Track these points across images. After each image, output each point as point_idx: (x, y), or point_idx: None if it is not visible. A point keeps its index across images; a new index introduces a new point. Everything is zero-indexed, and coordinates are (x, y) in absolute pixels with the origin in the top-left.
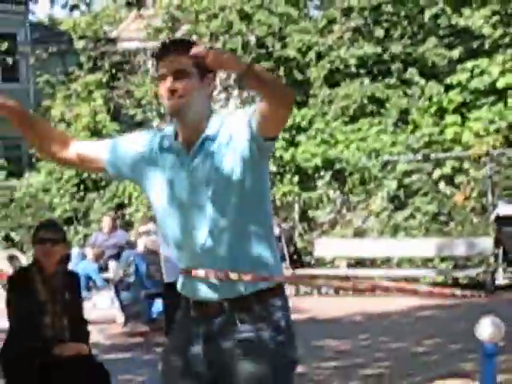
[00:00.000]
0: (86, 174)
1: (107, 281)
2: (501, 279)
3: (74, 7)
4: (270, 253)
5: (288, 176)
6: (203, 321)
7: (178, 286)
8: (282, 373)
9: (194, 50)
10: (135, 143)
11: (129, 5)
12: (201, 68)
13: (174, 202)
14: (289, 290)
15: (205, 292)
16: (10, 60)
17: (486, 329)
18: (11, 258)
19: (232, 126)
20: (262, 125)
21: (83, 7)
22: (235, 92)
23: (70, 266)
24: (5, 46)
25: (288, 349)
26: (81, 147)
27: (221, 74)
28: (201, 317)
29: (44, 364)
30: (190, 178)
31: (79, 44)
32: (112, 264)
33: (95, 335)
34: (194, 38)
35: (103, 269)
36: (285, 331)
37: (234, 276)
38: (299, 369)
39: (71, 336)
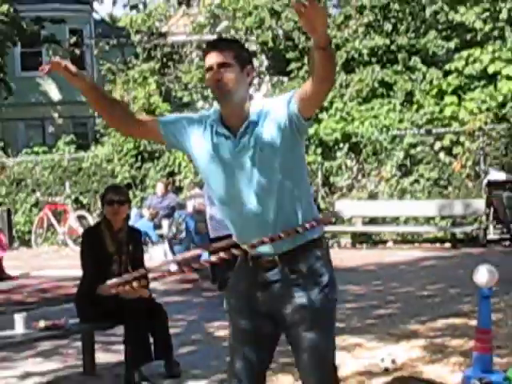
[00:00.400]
0: (142, 147)
1: (161, 236)
2: (491, 234)
3: (133, 7)
4: (311, 209)
5: (312, 148)
6: (259, 271)
7: (235, 239)
8: (328, 311)
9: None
10: (189, 121)
11: (179, 4)
12: (240, 60)
13: (223, 173)
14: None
15: (259, 247)
16: (77, 51)
17: (483, 275)
18: (80, 218)
19: (272, 106)
20: (302, 103)
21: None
22: (266, 78)
23: (131, 222)
24: (73, 39)
25: (330, 293)
26: (142, 119)
27: (254, 62)
28: (257, 268)
29: (112, 305)
30: (238, 159)
31: (135, 38)
32: (165, 222)
33: (152, 283)
34: (232, 32)
35: (157, 226)
36: (328, 279)
37: (283, 235)
38: None
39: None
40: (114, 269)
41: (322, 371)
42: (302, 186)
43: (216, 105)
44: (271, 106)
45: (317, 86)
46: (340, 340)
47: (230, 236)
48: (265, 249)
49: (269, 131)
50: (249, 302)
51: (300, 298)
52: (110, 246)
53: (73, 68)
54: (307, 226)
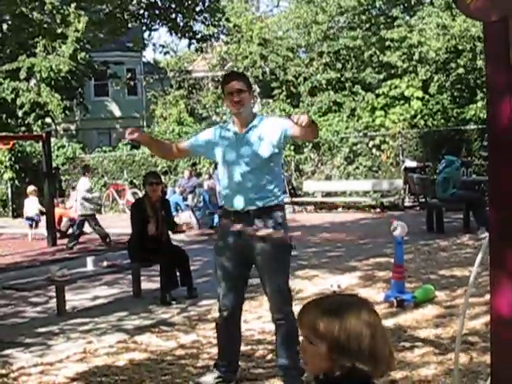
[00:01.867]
0: None
1: (187, 206)
2: (407, 202)
3: (166, 52)
4: (278, 190)
5: (287, 146)
6: (238, 221)
7: (223, 202)
8: (285, 250)
9: (296, 119)
10: (206, 135)
11: (198, 51)
12: (249, 88)
13: (230, 162)
14: (289, 209)
15: (238, 205)
16: (132, 83)
17: (397, 228)
18: (134, 194)
19: (270, 123)
20: (293, 134)
21: (172, 53)
22: (258, 100)
23: (167, 196)
24: (129, 75)
25: (285, 238)
26: (179, 147)
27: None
28: (237, 219)
29: (151, 251)
30: (240, 147)
31: (170, 74)
32: (190, 196)
33: (181, 236)
34: (234, 69)
35: (185, 199)
36: (283, 227)
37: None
38: (294, 252)
39: (168, 235)
40: (152, 226)
41: (281, 293)
42: (274, 173)
43: (229, 119)
44: (270, 123)
45: (305, 139)
46: (303, 272)
47: None
48: (243, 205)
49: (262, 136)
50: (228, 246)
51: (263, 244)
52: (149, 212)
53: (139, 133)
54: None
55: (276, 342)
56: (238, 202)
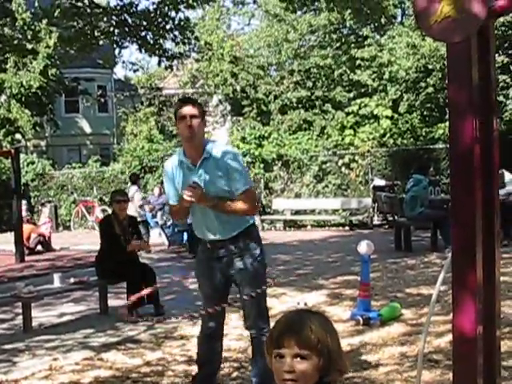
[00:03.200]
0: (144, 164)
1: (156, 223)
2: (376, 221)
3: (135, 70)
4: (241, 219)
5: (257, 164)
6: (214, 250)
7: (197, 234)
8: (260, 271)
9: (189, 196)
10: (168, 170)
11: (168, 68)
12: (202, 115)
13: None
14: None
15: (211, 238)
16: (102, 100)
17: (363, 247)
18: (103, 211)
19: (220, 157)
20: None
21: (143, 70)
22: (228, 117)
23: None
24: (99, 92)
25: (262, 260)
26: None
27: (220, 106)
28: (213, 248)
29: (118, 268)
30: (197, 180)
31: (141, 91)
32: (159, 214)
33: (151, 253)
34: (205, 87)
35: (154, 216)
36: (259, 251)
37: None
38: None
39: (136, 252)
40: (121, 242)
41: (258, 309)
42: None
43: (178, 148)
44: (220, 158)
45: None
46: (271, 290)
47: None
48: (217, 237)
49: (216, 169)
50: (208, 270)
51: (241, 264)
52: (117, 229)
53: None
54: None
55: (252, 359)
56: (210, 236)
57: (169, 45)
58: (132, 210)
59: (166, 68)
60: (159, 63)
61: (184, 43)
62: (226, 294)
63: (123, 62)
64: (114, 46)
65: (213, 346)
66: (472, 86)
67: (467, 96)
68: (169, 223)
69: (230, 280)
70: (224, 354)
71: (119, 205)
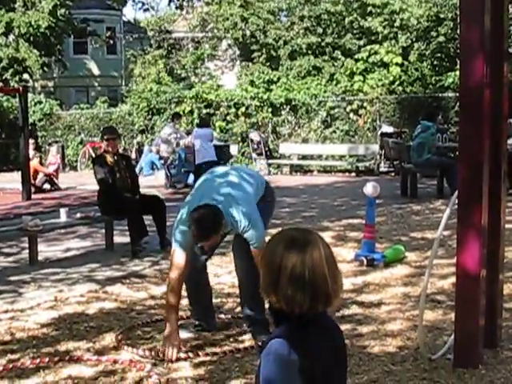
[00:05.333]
0: (152, 105)
1: (163, 164)
2: (382, 168)
3: (146, 10)
4: None
5: (265, 108)
6: None
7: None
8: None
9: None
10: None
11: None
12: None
13: None
14: (264, 171)
15: None
16: (111, 41)
17: (369, 188)
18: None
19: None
20: None
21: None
22: (237, 62)
23: (143, 157)
24: (108, 34)
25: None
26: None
27: (229, 51)
28: None
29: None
30: None
31: (150, 33)
32: (166, 154)
33: (156, 193)
34: (216, 31)
35: (161, 158)
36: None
37: None
38: None
39: (131, 183)
40: (117, 176)
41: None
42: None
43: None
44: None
45: None
46: (276, 231)
47: (208, 162)
48: None
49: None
50: None
51: None
52: (109, 162)
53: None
54: None
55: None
56: None
57: None
58: (169, 150)
59: (176, 8)
60: (169, 2)
61: None
62: None
63: (133, 1)
64: None
65: (199, 280)
66: (483, 24)
67: (479, 34)
68: (176, 163)
69: None
70: (228, 290)
71: (108, 142)
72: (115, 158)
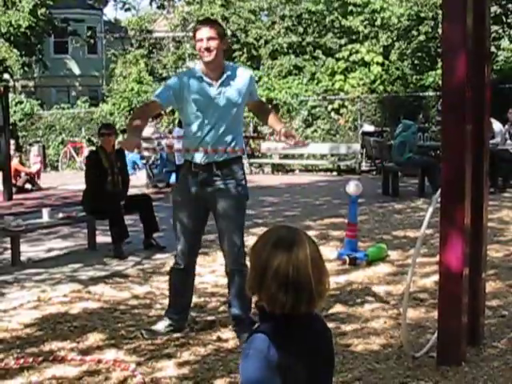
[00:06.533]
0: (133, 105)
1: (145, 164)
2: (364, 167)
3: (127, 9)
4: (241, 139)
5: (246, 107)
6: (199, 173)
7: (185, 156)
8: (239, 201)
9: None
10: (174, 85)
11: (160, 8)
12: (221, 35)
13: (204, 110)
14: (246, 170)
15: (200, 159)
16: (92, 41)
17: (351, 186)
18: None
19: (241, 77)
20: (252, 108)
21: (133, 11)
22: None
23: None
24: (89, 33)
25: (243, 190)
26: (150, 106)
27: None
28: (198, 171)
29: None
30: (215, 98)
31: (131, 33)
32: (147, 154)
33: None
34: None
35: (142, 157)
36: (241, 181)
37: (219, 150)
38: (251, 211)
39: (122, 186)
40: (109, 177)
41: (237, 243)
42: (240, 124)
43: (194, 65)
44: (240, 79)
45: (257, 117)
46: (258, 230)
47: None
48: (205, 158)
49: (235, 87)
50: (189, 195)
51: (222, 187)
52: (104, 163)
53: (136, 143)
54: (229, 149)
55: (229, 293)
56: (198, 159)
57: None
58: (151, 149)
59: (157, 7)
60: (151, 2)
61: None
62: (202, 228)
63: (115, 0)
64: None
65: (185, 280)
66: (465, 23)
67: (460, 33)
68: (157, 163)
69: (210, 208)
70: (212, 290)
71: (103, 138)
72: (111, 156)
